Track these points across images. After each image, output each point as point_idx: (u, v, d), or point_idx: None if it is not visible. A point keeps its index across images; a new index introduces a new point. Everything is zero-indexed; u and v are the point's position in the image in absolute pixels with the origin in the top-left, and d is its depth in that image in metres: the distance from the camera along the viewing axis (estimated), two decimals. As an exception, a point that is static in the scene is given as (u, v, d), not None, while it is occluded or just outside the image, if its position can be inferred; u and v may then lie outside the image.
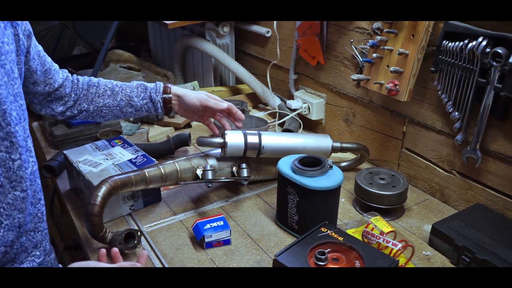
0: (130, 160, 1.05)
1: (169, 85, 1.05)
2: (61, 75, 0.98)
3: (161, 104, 1.03)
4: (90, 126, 1.34)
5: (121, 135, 1.24)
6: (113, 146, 1.12)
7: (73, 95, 0.99)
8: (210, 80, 1.76)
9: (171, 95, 1.03)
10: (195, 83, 1.59)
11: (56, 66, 0.97)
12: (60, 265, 0.88)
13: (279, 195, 0.98)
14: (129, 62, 1.83)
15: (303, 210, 0.93)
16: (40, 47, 0.91)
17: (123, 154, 1.08)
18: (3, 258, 0.75)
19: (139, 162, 1.05)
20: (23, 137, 0.76)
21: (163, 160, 1.03)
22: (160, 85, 1.04)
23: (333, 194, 0.92)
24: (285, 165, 0.95)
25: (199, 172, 1.03)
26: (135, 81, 1.05)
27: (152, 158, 1.06)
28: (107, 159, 1.06)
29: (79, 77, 1.02)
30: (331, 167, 0.94)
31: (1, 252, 0.74)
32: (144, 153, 1.09)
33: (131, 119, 1.49)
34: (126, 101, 1.01)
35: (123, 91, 1.02)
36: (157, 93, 1.02)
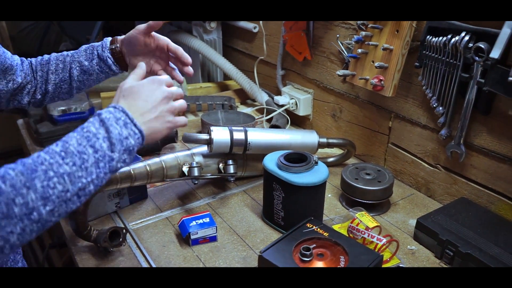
0: (115, 158, 1.05)
1: (119, 37, 0.93)
2: (23, 67, 0.92)
3: (112, 59, 0.91)
4: (76, 123, 1.32)
5: (107, 132, 1.23)
6: (98, 144, 1.11)
7: (33, 81, 0.93)
8: (198, 76, 1.76)
9: (118, 45, 0.92)
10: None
11: (17, 59, 0.92)
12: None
13: (265, 192, 0.98)
14: (116, 58, 1.81)
15: (288, 206, 0.93)
16: None
17: (108, 152, 1.07)
18: None
19: (125, 159, 1.04)
20: None
21: (149, 157, 1.03)
22: (107, 39, 0.93)
23: (318, 190, 0.93)
24: (270, 162, 0.95)
25: (185, 169, 1.02)
26: (84, 46, 0.95)
27: (138, 155, 1.05)
28: (92, 156, 1.05)
29: (32, 59, 0.95)
30: (316, 163, 0.94)
31: None
32: (129, 150, 1.08)
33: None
34: (79, 69, 0.92)
35: (74, 59, 0.93)
36: (104, 49, 0.91)
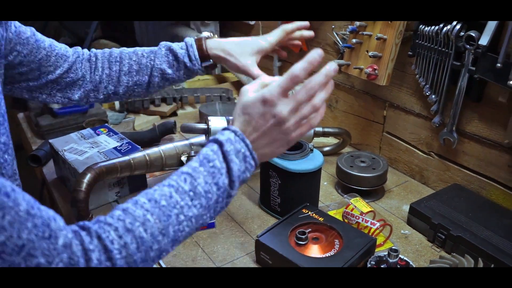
0: (115, 148, 1.07)
1: (204, 45, 0.86)
2: (71, 57, 0.83)
3: (202, 70, 0.88)
4: (76, 116, 1.35)
5: (106, 124, 1.26)
6: (98, 135, 1.14)
7: (90, 77, 0.85)
8: (196, 69, 1.77)
9: (211, 61, 0.87)
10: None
11: (61, 48, 0.83)
12: None
13: (262, 179, 1.00)
14: (114, 52, 1.83)
15: (285, 193, 0.95)
16: (30, 32, 0.77)
17: (108, 142, 1.10)
18: None
19: (124, 149, 1.06)
20: (10, 164, 0.65)
21: (148, 148, 1.05)
22: (192, 49, 0.85)
23: (314, 176, 0.95)
24: None
25: (183, 158, 1.04)
26: (160, 45, 0.88)
27: (137, 145, 1.08)
28: (92, 147, 1.07)
29: (98, 52, 0.87)
30: (311, 150, 0.96)
31: None
32: (129, 140, 1.10)
33: (117, 108, 1.50)
34: (159, 76, 0.86)
35: (154, 65, 0.85)
36: (194, 62, 0.86)
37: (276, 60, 1.49)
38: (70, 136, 1.13)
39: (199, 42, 0.86)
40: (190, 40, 0.87)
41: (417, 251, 0.89)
